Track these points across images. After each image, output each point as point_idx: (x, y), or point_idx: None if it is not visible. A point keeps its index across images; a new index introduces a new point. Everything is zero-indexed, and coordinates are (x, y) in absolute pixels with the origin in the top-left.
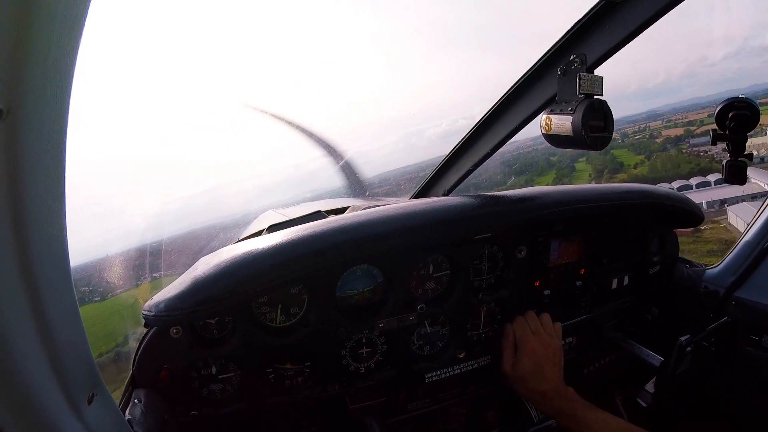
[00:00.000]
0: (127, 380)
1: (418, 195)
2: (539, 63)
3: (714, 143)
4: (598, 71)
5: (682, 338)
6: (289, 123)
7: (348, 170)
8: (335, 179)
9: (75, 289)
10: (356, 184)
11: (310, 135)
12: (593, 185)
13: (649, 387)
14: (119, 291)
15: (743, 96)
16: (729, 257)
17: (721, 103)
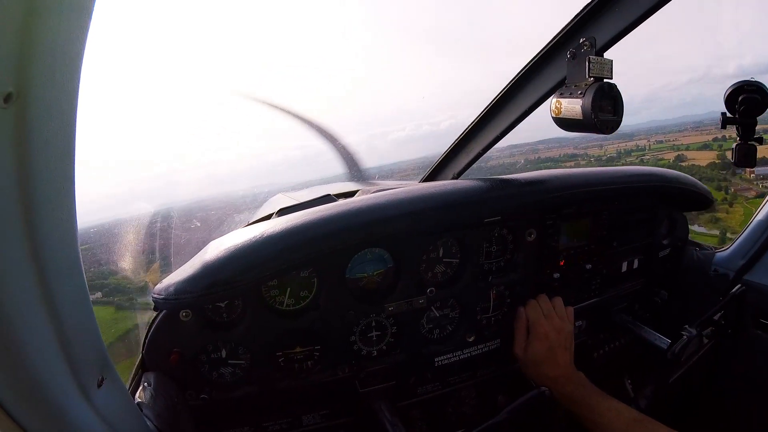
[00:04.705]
0: (136, 364)
1: (428, 179)
2: (549, 46)
3: (724, 126)
4: (607, 54)
5: (691, 330)
6: (284, 110)
7: (347, 156)
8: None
9: (84, 270)
10: (355, 171)
11: (305, 121)
12: (603, 168)
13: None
14: (127, 273)
15: (753, 79)
16: (739, 240)
17: (731, 86)
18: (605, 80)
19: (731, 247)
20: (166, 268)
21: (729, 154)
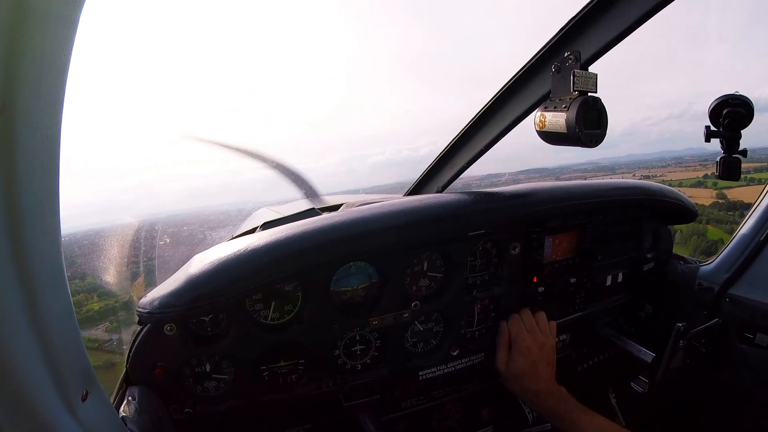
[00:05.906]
0: (121, 378)
1: (412, 192)
2: (533, 60)
3: (708, 140)
4: (592, 68)
5: (680, 323)
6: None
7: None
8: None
9: (68, 284)
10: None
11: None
12: (587, 181)
13: (645, 376)
14: (111, 287)
15: (738, 93)
16: (723, 254)
17: (716, 100)
18: (590, 94)
19: (715, 261)
20: (150, 282)
21: (729, 194)
